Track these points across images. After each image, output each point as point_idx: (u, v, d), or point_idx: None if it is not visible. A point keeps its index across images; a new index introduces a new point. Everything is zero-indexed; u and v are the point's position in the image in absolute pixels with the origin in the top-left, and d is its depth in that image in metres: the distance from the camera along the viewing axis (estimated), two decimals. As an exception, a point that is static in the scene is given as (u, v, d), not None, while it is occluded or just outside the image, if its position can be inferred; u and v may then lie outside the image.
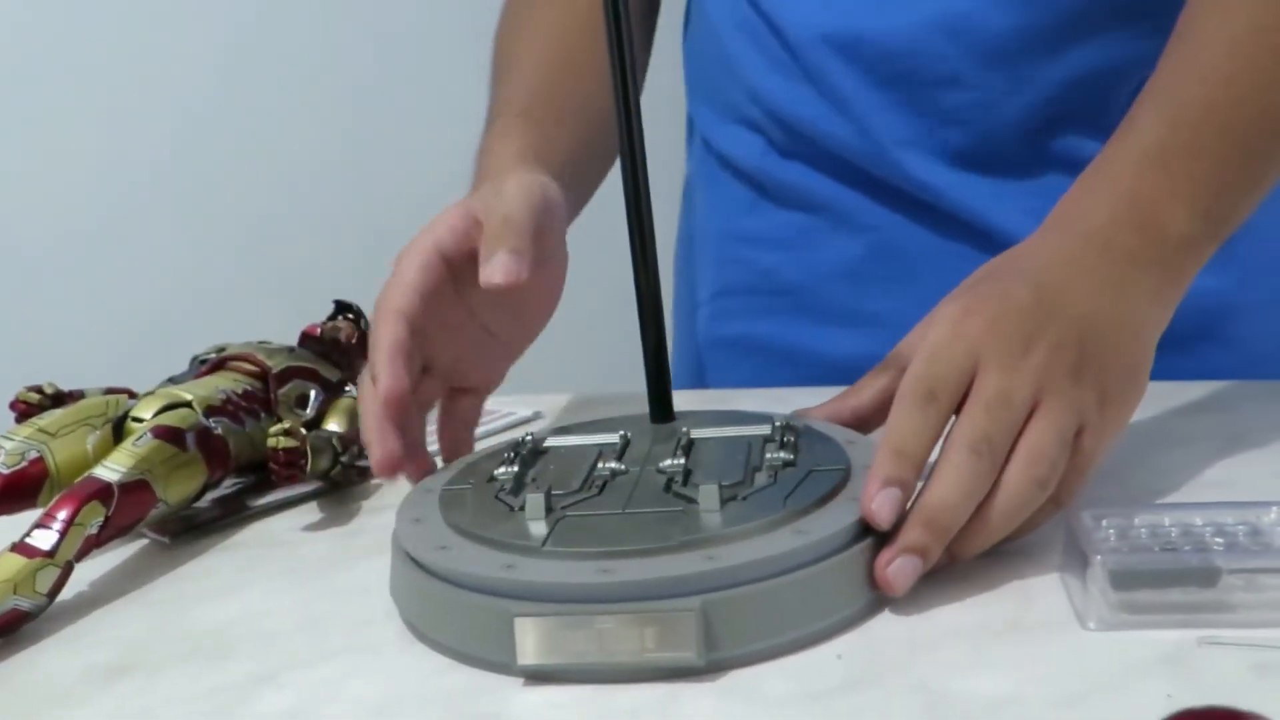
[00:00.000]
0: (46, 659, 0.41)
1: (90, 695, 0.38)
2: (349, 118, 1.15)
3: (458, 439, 0.52)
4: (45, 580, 0.43)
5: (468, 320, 0.51)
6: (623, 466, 0.43)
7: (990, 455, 0.39)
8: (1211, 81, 0.48)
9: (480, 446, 0.52)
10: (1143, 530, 0.38)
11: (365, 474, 0.57)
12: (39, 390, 0.54)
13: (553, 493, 0.41)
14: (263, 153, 1.16)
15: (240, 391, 0.55)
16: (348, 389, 0.59)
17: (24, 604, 0.42)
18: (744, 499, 0.40)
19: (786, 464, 0.42)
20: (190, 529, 0.52)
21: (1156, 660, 0.34)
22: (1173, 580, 0.36)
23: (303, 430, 0.53)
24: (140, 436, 0.49)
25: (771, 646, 0.36)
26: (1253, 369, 0.65)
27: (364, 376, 0.47)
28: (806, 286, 0.70)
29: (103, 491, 0.45)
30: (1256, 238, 0.60)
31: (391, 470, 0.45)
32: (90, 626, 0.44)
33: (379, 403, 0.45)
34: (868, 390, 0.48)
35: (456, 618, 0.38)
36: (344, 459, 0.54)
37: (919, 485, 0.40)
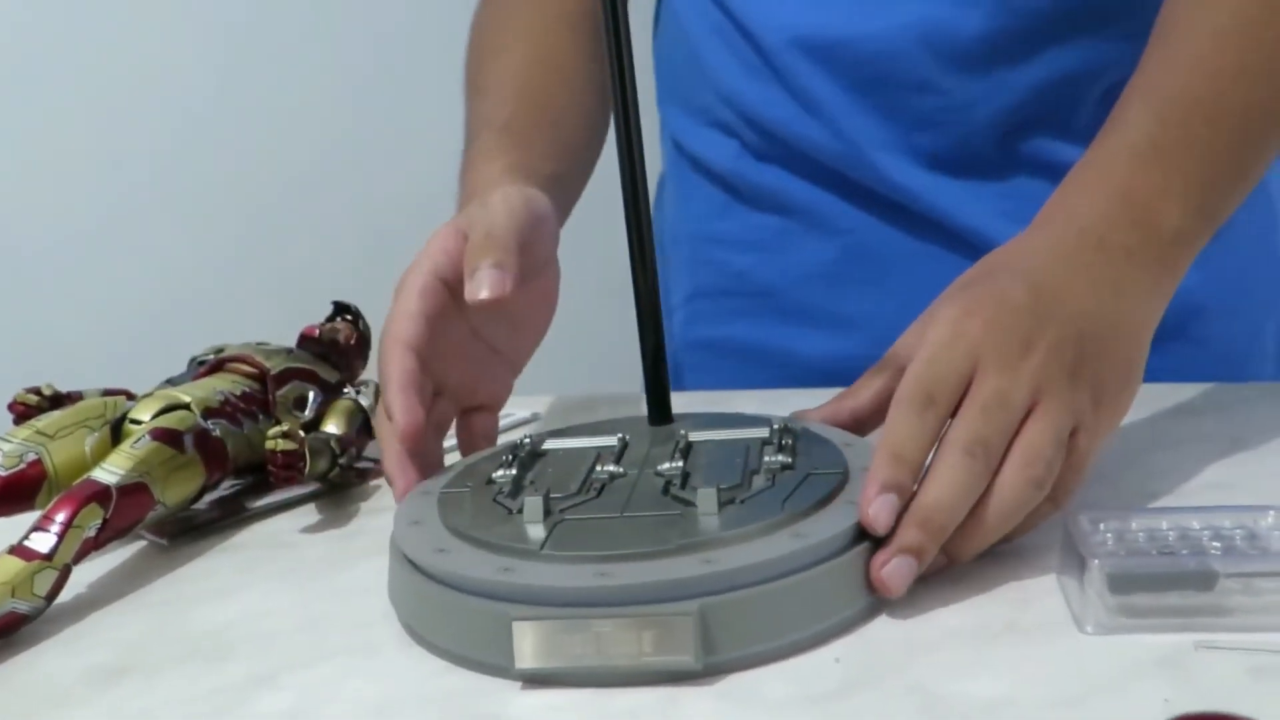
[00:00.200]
0: (45, 661, 0.42)
1: (89, 697, 0.39)
2: (348, 118, 1.15)
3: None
4: (43, 583, 0.43)
5: (471, 340, 0.51)
6: (621, 469, 0.43)
7: (985, 457, 0.39)
8: (1198, 74, 0.48)
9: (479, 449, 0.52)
10: (1140, 534, 0.38)
11: (364, 475, 0.57)
12: (37, 392, 0.54)
13: (551, 495, 0.41)
14: (261, 153, 1.16)
15: (238, 393, 0.55)
16: (346, 390, 0.59)
17: (22, 607, 0.42)
18: (742, 502, 0.40)
19: (784, 467, 0.42)
20: (189, 531, 0.52)
21: (1154, 664, 0.34)
22: (1170, 584, 0.36)
23: (301, 432, 0.53)
24: (139, 438, 0.49)
25: (769, 650, 0.36)
26: (1220, 367, 0.65)
27: (379, 411, 0.48)
28: (781, 288, 0.70)
29: (101, 494, 0.45)
30: (1224, 239, 0.61)
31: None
32: (89, 628, 0.44)
33: (397, 438, 0.46)
34: (865, 391, 0.48)
35: (454, 620, 0.38)
36: (342, 461, 0.54)
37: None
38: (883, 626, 0.38)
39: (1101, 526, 0.39)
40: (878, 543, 0.39)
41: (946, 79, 0.63)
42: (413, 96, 1.23)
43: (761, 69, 0.67)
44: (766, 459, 0.43)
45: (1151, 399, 0.58)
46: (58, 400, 0.54)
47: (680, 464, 0.43)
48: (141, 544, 0.52)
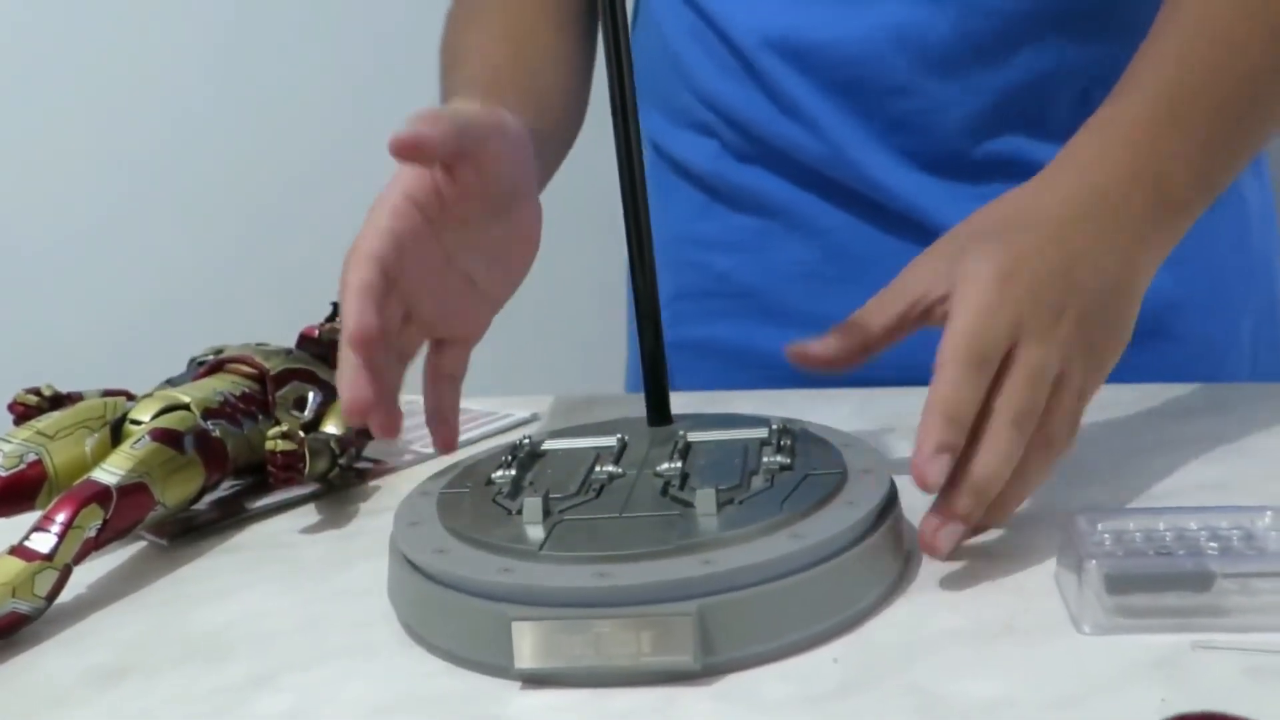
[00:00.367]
0: (46, 661, 0.42)
1: (89, 697, 0.39)
2: (348, 118, 1.15)
3: (443, 391, 0.51)
4: (44, 583, 0.43)
5: (447, 267, 0.50)
6: (620, 470, 0.44)
7: (1028, 429, 0.41)
8: (1209, 41, 0.49)
9: (478, 449, 0.52)
10: (1137, 534, 0.39)
11: (363, 476, 0.57)
12: (37, 392, 0.54)
13: (550, 496, 0.41)
14: (261, 153, 1.16)
15: (238, 394, 0.55)
16: (346, 391, 0.59)
17: (22, 607, 0.42)
18: (741, 503, 0.40)
19: (783, 468, 0.42)
20: (188, 531, 0.52)
21: (1151, 664, 0.34)
22: (1167, 584, 0.36)
23: (300, 433, 0.53)
24: (138, 439, 0.49)
25: (768, 650, 0.36)
26: (1198, 364, 0.66)
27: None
28: (762, 289, 0.71)
29: (101, 494, 0.45)
30: (1197, 238, 0.62)
31: (359, 415, 0.44)
32: (89, 629, 0.44)
33: (347, 343, 0.44)
34: (879, 320, 0.48)
35: (454, 621, 0.38)
36: (342, 461, 0.54)
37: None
38: (881, 627, 0.38)
39: (1099, 527, 0.39)
40: (876, 544, 0.39)
41: (921, 81, 0.64)
42: (413, 96, 1.23)
43: (739, 70, 0.67)
44: (765, 460, 0.43)
45: (1149, 400, 0.59)
46: (58, 401, 0.54)
47: (679, 465, 0.43)
48: (141, 544, 0.52)
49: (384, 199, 0.47)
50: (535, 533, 0.39)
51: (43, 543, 0.43)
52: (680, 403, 0.51)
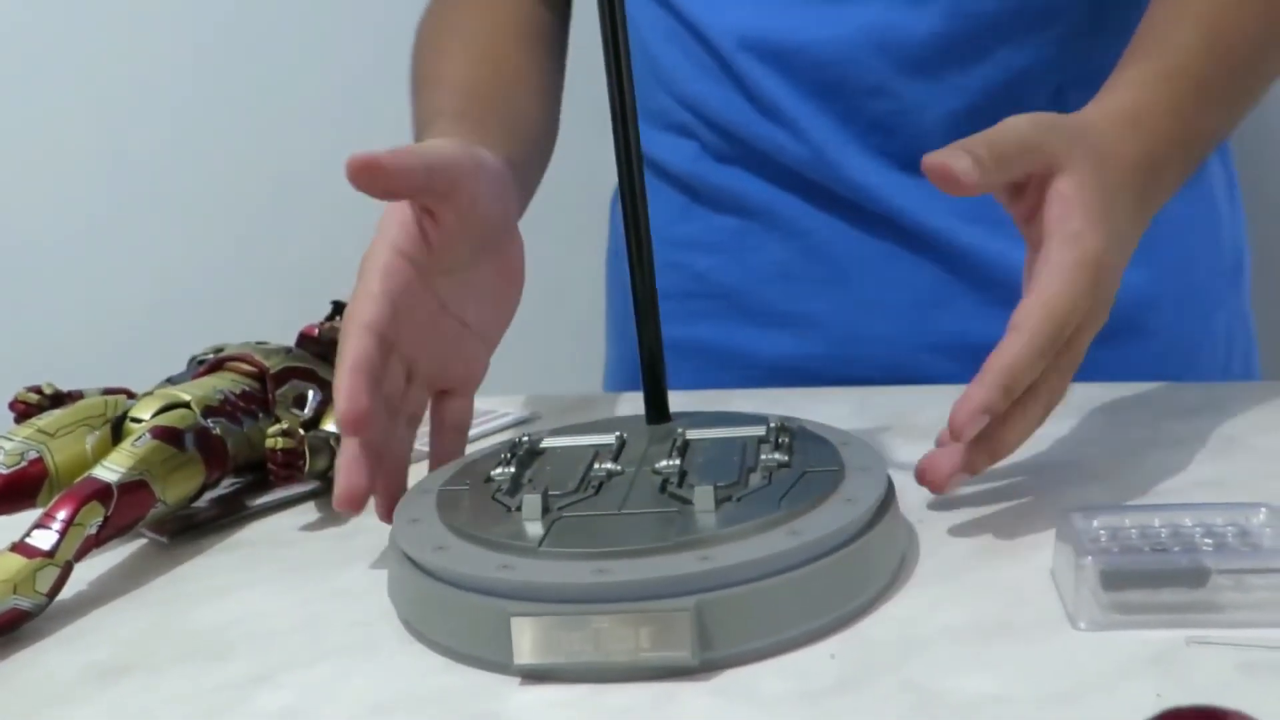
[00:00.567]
0: (46, 658, 0.42)
1: (89, 694, 0.39)
2: (349, 118, 1.15)
3: (448, 444, 0.51)
4: (45, 580, 0.43)
5: (440, 315, 0.50)
6: (619, 467, 0.44)
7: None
8: (1206, 29, 0.51)
9: (477, 447, 0.53)
10: (1133, 531, 0.39)
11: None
12: (38, 390, 0.54)
13: (549, 493, 0.41)
14: (261, 153, 1.16)
15: (238, 392, 0.55)
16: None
17: (24, 603, 0.42)
18: (739, 500, 0.40)
19: (781, 465, 0.43)
20: (189, 529, 0.52)
21: (1146, 660, 0.34)
22: (1162, 580, 0.36)
23: (300, 430, 0.53)
24: (139, 437, 0.49)
25: (765, 646, 0.36)
26: (1173, 359, 0.67)
27: None
28: (742, 289, 0.71)
29: (102, 492, 0.46)
30: (1171, 235, 0.62)
31: (352, 505, 0.43)
32: (89, 626, 0.44)
33: (339, 425, 0.43)
34: (1012, 142, 0.44)
35: (454, 617, 0.38)
36: (342, 459, 0.54)
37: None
38: (878, 623, 0.38)
39: (1095, 523, 0.39)
40: (874, 544, 0.39)
41: (899, 82, 0.64)
42: (411, 96, 1.23)
43: (717, 72, 0.67)
44: (763, 457, 0.43)
45: (1146, 398, 0.59)
46: (58, 399, 0.55)
47: (677, 462, 0.43)
48: (142, 542, 0.52)
49: (372, 258, 0.47)
50: (534, 529, 0.39)
51: (44, 539, 0.44)
52: (678, 401, 0.51)
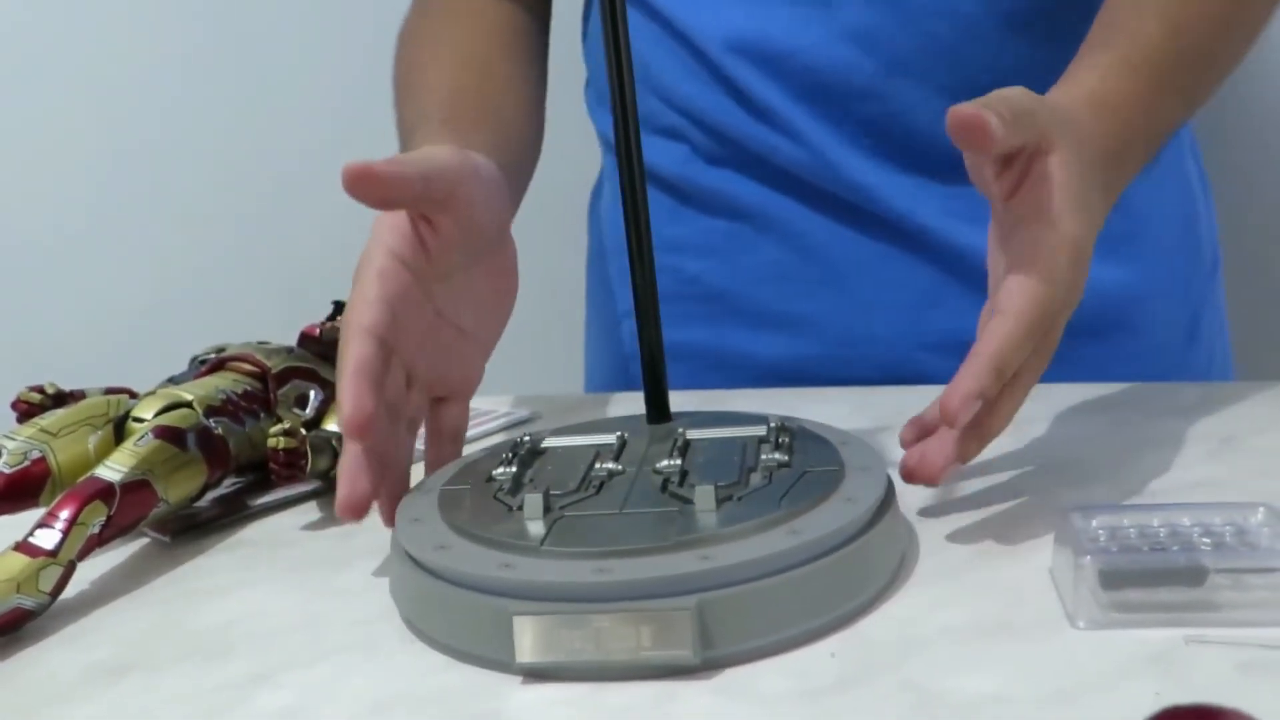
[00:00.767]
0: (49, 657, 0.42)
1: (91, 693, 0.39)
2: (349, 117, 1.15)
3: (445, 450, 0.51)
4: (48, 579, 0.43)
5: (438, 321, 0.50)
6: (620, 467, 0.44)
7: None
8: (1168, 20, 0.51)
9: (478, 447, 0.53)
10: (1132, 530, 0.39)
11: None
12: (40, 390, 0.54)
13: (550, 493, 0.41)
14: (262, 152, 1.16)
15: (240, 392, 0.55)
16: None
17: (27, 602, 0.43)
18: (739, 499, 0.40)
19: (781, 465, 0.43)
20: (191, 528, 0.53)
21: (1145, 659, 0.34)
22: (1161, 580, 0.36)
23: (302, 430, 0.53)
24: (141, 436, 0.49)
25: (766, 645, 0.36)
26: (1159, 355, 0.68)
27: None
28: (734, 291, 0.70)
29: (105, 491, 0.46)
30: (1152, 230, 0.63)
31: (353, 513, 0.43)
32: (92, 625, 0.44)
33: (343, 431, 0.43)
34: (1023, 107, 0.43)
35: (455, 616, 0.38)
36: (343, 459, 0.55)
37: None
38: (878, 622, 0.38)
39: (1094, 523, 0.39)
40: (872, 544, 0.39)
41: (886, 83, 0.64)
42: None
43: (706, 75, 0.67)
44: (764, 457, 0.43)
45: (1145, 398, 0.59)
46: (61, 399, 0.55)
47: (678, 462, 0.43)
48: (144, 541, 0.52)
49: (369, 262, 0.47)
50: (536, 529, 0.39)
51: (47, 539, 0.44)
52: (678, 401, 0.51)
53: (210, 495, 0.54)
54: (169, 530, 0.52)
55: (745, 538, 0.38)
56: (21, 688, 0.40)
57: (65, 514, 0.44)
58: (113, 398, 0.53)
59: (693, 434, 0.47)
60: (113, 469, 0.47)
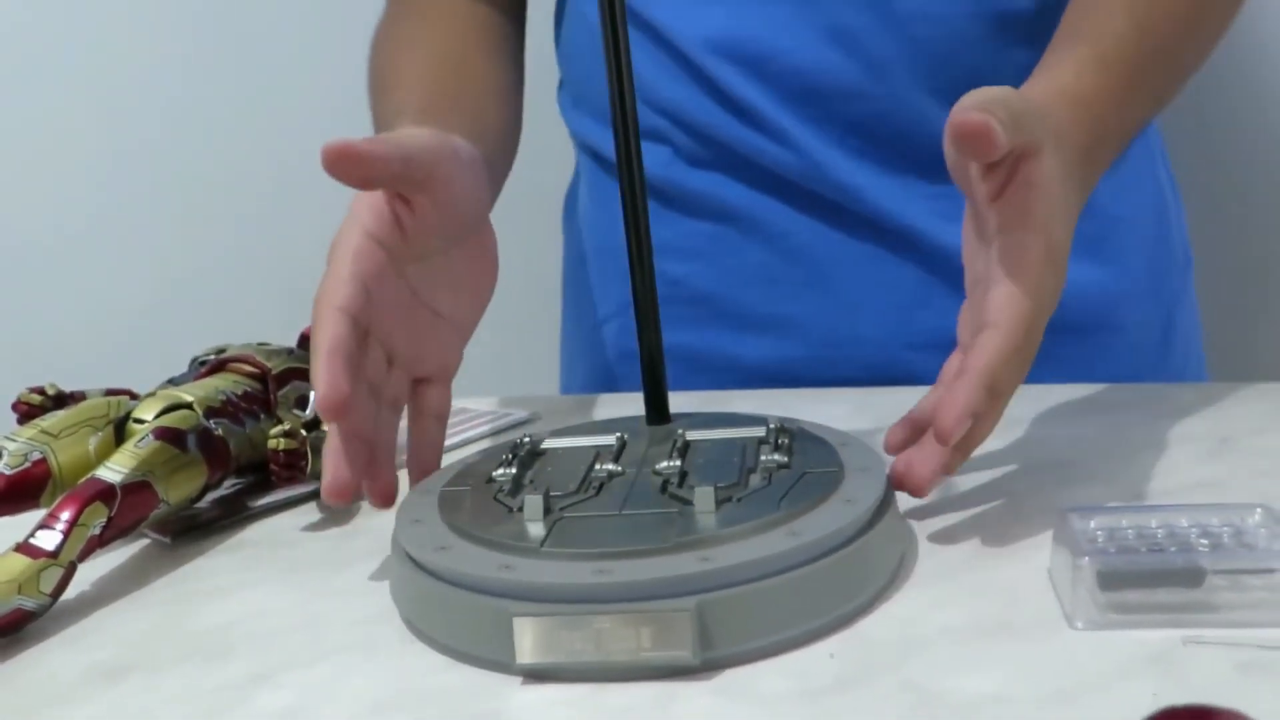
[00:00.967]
0: (49, 658, 0.42)
1: (92, 694, 0.39)
2: (350, 117, 1.15)
3: (427, 428, 0.51)
4: (49, 580, 0.43)
5: (414, 303, 0.49)
6: (619, 468, 0.44)
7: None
8: (1137, 18, 0.52)
9: (478, 448, 0.53)
10: (1129, 531, 0.39)
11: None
12: (41, 391, 0.55)
13: (550, 494, 0.41)
14: (262, 152, 1.16)
15: (240, 393, 0.55)
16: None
17: (28, 604, 0.43)
18: (739, 500, 0.40)
19: (781, 466, 0.43)
20: (191, 529, 0.53)
21: (1143, 659, 0.34)
22: (1159, 580, 0.36)
23: (302, 431, 0.53)
24: (142, 438, 0.49)
25: (765, 645, 0.37)
26: (1138, 354, 0.69)
27: None
28: (719, 294, 0.70)
29: (105, 492, 0.46)
30: (1128, 230, 0.63)
31: (339, 498, 0.43)
32: (92, 626, 0.44)
33: (320, 412, 0.42)
34: (1017, 110, 0.42)
35: (455, 617, 0.38)
36: (343, 460, 0.55)
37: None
38: (877, 623, 0.38)
39: (1092, 524, 0.40)
40: (870, 543, 0.40)
41: (870, 84, 0.64)
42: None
43: (689, 77, 0.67)
44: (763, 458, 0.43)
45: (1143, 400, 0.59)
46: (61, 400, 0.55)
47: (678, 463, 0.43)
48: (144, 542, 0.52)
49: (343, 240, 0.46)
50: (536, 530, 0.39)
51: (48, 540, 0.44)
52: (678, 402, 0.52)
53: (210, 496, 0.54)
54: (169, 531, 0.52)
55: (745, 539, 0.38)
56: (22, 688, 0.40)
57: (66, 515, 0.45)
58: (113, 399, 0.53)
59: (692, 435, 0.47)
60: (113, 470, 0.47)
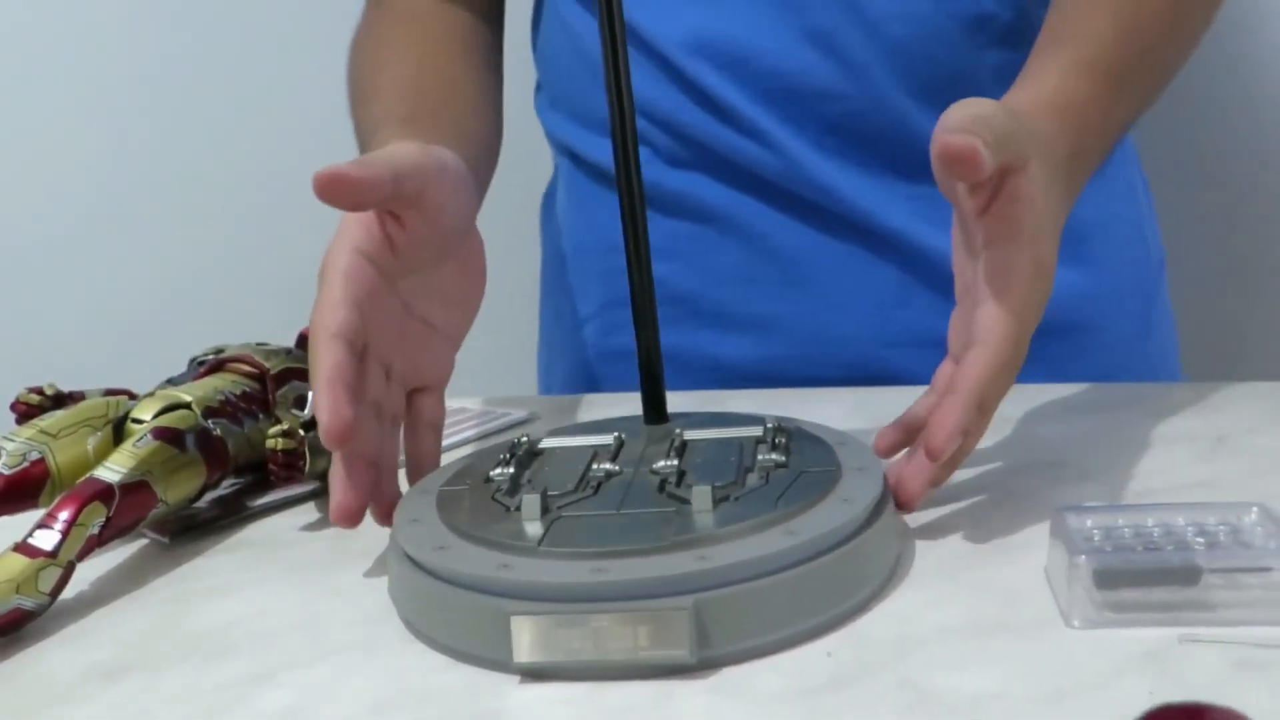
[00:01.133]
0: (48, 658, 0.42)
1: (91, 694, 0.39)
2: (348, 117, 1.15)
3: (425, 438, 0.51)
4: (48, 580, 0.43)
5: (406, 316, 0.50)
6: (617, 467, 0.44)
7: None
8: (1120, 20, 0.52)
9: (476, 448, 0.53)
10: (1126, 530, 0.39)
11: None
12: (40, 391, 0.55)
13: (548, 493, 0.41)
14: (262, 152, 1.16)
15: (239, 393, 0.55)
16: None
17: (27, 603, 0.43)
18: (736, 500, 0.40)
19: (778, 465, 0.43)
20: (190, 529, 0.53)
21: (1139, 658, 0.34)
22: (1155, 579, 0.36)
23: (301, 431, 0.53)
24: (141, 438, 0.49)
25: (762, 644, 0.37)
26: (1114, 349, 0.69)
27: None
28: (699, 293, 0.70)
29: (104, 492, 0.46)
30: (1103, 234, 0.63)
31: (348, 519, 0.43)
32: (91, 626, 0.44)
33: (324, 441, 0.42)
34: (1001, 128, 0.42)
35: (454, 616, 0.38)
36: (341, 460, 0.55)
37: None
38: (874, 622, 0.39)
39: (1088, 523, 0.40)
40: (870, 542, 0.40)
41: (848, 85, 0.65)
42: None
43: (667, 78, 0.67)
44: (760, 457, 0.43)
45: (1140, 399, 0.59)
46: (60, 400, 0.55)
47: (675, 462, 0.43)
48: (143, 542, 0.53)
49: (334, 260, 0.46)
50: (534, 529, 0.39)
51: (46, 540, 0.44)
52: (675, 402, 0.52)
53: (209, 496, 0.54)
54: (168, 531, 0.52)
55: (742, 538, 0.38)
56: (21, 688, 0.40)
57: (64, 515, 0.45)
58: (112, 399, 0.53)
59: (690, 435, 0.47)
60: (112, 470, 0.47)
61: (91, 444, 0.50)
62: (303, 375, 0.57)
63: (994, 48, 0.64)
